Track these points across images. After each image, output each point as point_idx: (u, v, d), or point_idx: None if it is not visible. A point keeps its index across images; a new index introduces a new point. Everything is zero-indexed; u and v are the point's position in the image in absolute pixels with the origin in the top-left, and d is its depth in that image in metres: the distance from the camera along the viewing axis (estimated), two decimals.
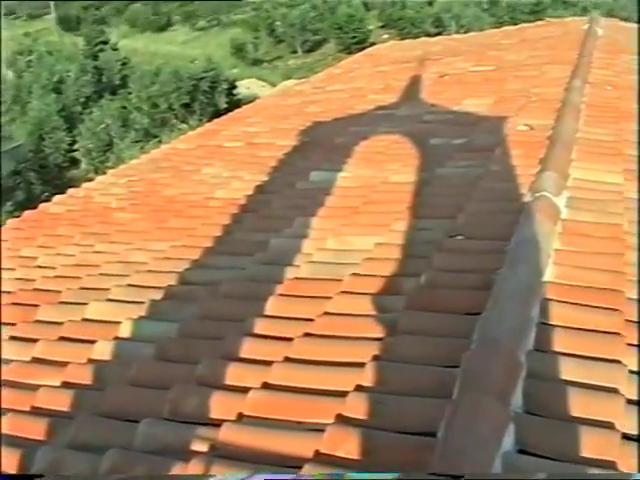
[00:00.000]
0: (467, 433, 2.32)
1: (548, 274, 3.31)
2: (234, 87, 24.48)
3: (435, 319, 3.14)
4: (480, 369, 2.60)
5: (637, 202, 4.14)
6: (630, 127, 5.63)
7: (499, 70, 8.32)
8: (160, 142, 17.44)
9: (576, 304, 3.11)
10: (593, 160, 4.74)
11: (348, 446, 2.46)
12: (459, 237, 3.81)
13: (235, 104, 19.50)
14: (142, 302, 3.89)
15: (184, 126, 21.07)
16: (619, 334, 2.94)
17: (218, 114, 14.80)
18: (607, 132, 5.43)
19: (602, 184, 4.37)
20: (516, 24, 14.25)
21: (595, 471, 2.31)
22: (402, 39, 22.56)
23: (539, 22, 12.89)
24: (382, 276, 3.58)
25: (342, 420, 2.62)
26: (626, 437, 2.47)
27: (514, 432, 2.43)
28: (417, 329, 3.08)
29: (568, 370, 2.73)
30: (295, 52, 34.79)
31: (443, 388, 2.61)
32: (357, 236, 4.14)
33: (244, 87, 26.61)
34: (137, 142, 20.93)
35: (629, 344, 2.90)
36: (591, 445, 2.40)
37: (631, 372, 2.75)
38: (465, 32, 22.23)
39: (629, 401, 2.61)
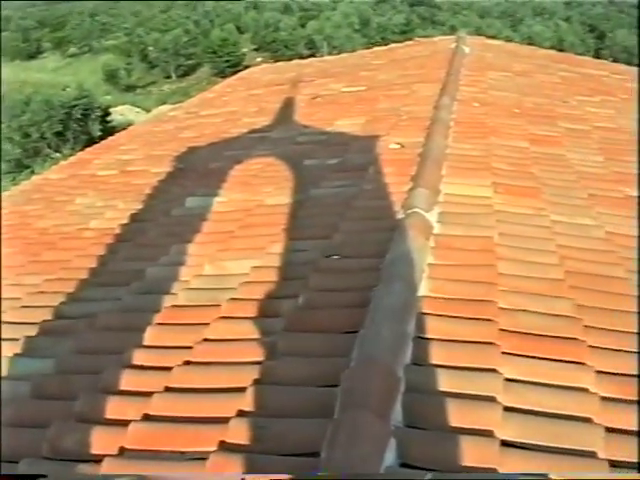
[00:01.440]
0: (349, 451, 2.34)
1: (423, 289, 3.37)
2: (108, 114, 24.06)
3: (314, 339, 3.15)
4: (359, 387, 2.62)
5: None
6: (497, 142, 5.81)
7: (370, 90, 8.46)
8: (33, 172, 16.99)
9: (451, 316, 3.18)
10: (463, 175, 4.87)
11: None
12: (335, 257, 3.84)
13: (109, 131, 19.21)
14: (17, 339, 3.77)
15: (57, 155, 20.60)
16: (494, 343, 3.02)
17: (92, 142, 14.56)
18: (475, 147, 5.59)
19: (472, 198, 4.49)
20: (387, 44, 14.50)
21: None
22: (276, 61, 22.69)
23: (408, 42, 13.15)
24: (260, 299, 3.57)
25: (224, 447, 2.60)
26: (505, 444, 2.54)
27: (396, 446, 2.46)
28: (297, 350, 3.08)
29: (446, 382, 2.79)
30: (169, 77, 34.57)
31: (324, 408, 2.62)
32: (234, 260, 4.12)
33: (118, 114, 26.22)
34: (9, 173, 20.32)
35: (504, 352, 2.98)
36: (471, 454, 2.46)
37: (507, 380, 2.82)
38: (338, 53, 22.59)
39: (506, 408, 2.68)
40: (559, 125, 6.70)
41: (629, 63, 22.00)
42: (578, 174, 5.34)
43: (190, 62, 34.89)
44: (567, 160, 5.67)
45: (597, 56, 25.87)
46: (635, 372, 2.99)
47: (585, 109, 7.62)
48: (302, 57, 21.58)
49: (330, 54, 24.45)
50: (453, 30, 23.87)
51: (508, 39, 24.17)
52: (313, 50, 31.63)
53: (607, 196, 4.94)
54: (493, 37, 19.88)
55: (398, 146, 5.62)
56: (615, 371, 2.99)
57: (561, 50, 20.63)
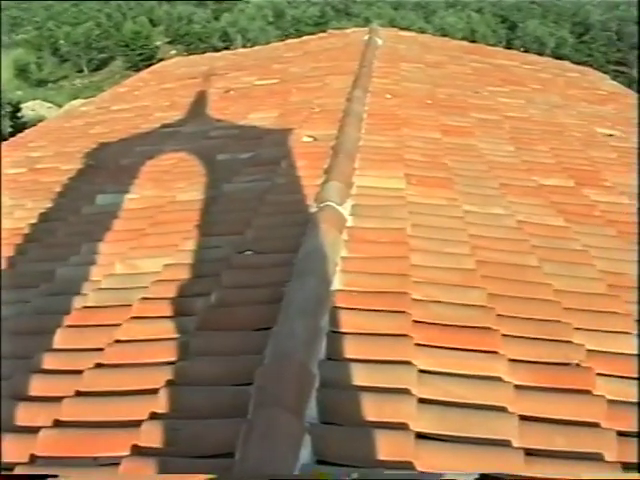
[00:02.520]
0: (264, 450, 2.30)
1: (336, 283, 3.35)
2: (18, 110, 23.47)
3: (227, 337, 3.10)
4: (273, 384, 2.59)
5: None
6: (410, 133, 5.84)
7: (283, 83, 8.41)
8: None
9: (364, 310, 3.17)
10: (375, 167, 4.87)
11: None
12: (248, 253, 3.79)
13: (20, 127, 18.71)
14: None
15: None
16: (407, 335, 3.01)
17: (2, 139, 14.16)
18: (388, 139, 5.60)
19: (385, 190, 4.50)
20: (301, 36, 14.47)
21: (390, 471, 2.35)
22: (190, 54, 22.47)
23: (321, 34, 13.13)
24: (172, 298, 3.50)
25: (137, 451, 2.54)
26: (420, 436, 2.53)
27: (311, 443, 2.43)
28: (210, 349, 3.03)
29: (360, 376, 2.77)
30: (81, 71, 33.89)
31: (239, 407, 2.58)
32: (145, 259, 4.03)
33: (29, 109, 25.58)
34: None
35: (418, 344, 2.98)
36: (387, 448, 2.45)
37: (421, 372, 2.82)
38: (252, 46, 22.47)
39: (421, 400, 2.67)
40: (471, 115, 6.77)
41: (540, 53, 22.48)
42: (490, 164, 5.40)
43: (102, 56, 34.26)
44: (479, 150, 5.73)
45: (509, 46, 26.29)
46: (549, 359, 3.03)
47: (496, 99, 7.72)
48: (216, 50, 21.38)
49: (244, 47, 24.31)
50: (367, 22, 23.96)
51: (421, 30, 24.40)
52: (227, 43, 31.40)
53: (518, 185, 5.00)
54: (406, 29, 20.04)
55: (311, 139, 5.60)
56: (529, 359, 3.02)
57: (473, 41, 20.90)
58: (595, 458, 2.56)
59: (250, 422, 2.43)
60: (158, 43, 35.15)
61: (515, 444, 2.57)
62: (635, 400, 2.87)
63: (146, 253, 4.13)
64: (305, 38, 13.00)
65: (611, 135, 6.97)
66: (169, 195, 4.99)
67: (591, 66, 15.46)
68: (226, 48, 24.79)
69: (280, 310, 3.03)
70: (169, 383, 2.84)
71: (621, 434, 2.66)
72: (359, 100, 6.51)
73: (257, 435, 2.35)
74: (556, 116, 7.45)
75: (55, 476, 2.46)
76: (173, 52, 32.29)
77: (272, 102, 7.44)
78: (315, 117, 6.39)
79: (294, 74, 8.89)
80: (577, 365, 3.03)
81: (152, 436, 2.57)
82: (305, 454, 2.39)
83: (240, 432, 2.39)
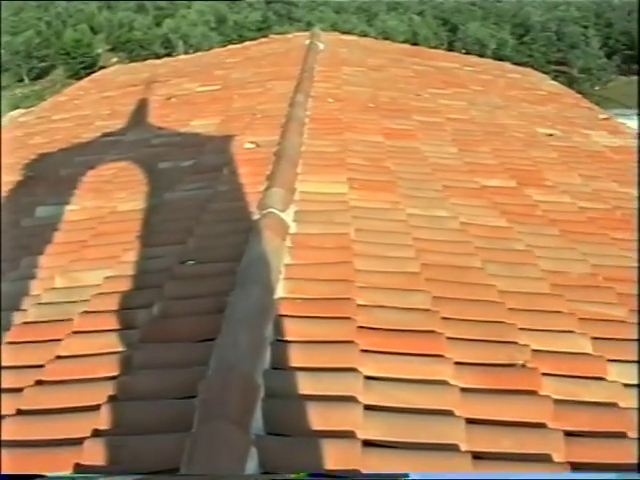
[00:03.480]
0: (209, 464, 2.26)
1: (280, 290, 3.32)
2: None
3: (171, 350, 3.05)
4: (217, 397, 2.55)
5: None
6: (352, 137, 5.83)
7: (225, 89, 8.35)
8: None
9: (309, 317, 3.15)
10: (318, 172, 4.85)
11: None
12: (190, 262, 3.74)
13: None
14: None
15: None
16: (352, 342, 3.00)
17: None
18: (331, 144, 5.58)
19: (328, 195, 4.48)
20: (244, 41, 14.41)
21: None
22: (132, 61, 22.26)
23: (263, 39, 13.09)
24: (114, 311, 3.43)
25: (80, 470, 2.48)
26: (367, 444, 2.51)
27: (257, 456, 2.40)
28: (153, 362, 2.98)
29: (306, 384, 2.75)
30: (22, 80, 33.45)
31: (183, 421, 2.54)
32: (86, 271, 3.95)
33: None
34: None
35: (363, 350, 2.96)
36: (333, 457, 2.43)
37: (367, 378, 2.80)
38: (194, 52, 22.34)
39: (367, 407, 2.66)
40: (413, 118, 6.79)
41: (481, 55, 22.71)
42: (432, 166, 5.41)
43: (43, 64, 33.88)
44: (421, 153, 5.74)
45: (450, 49, 26.56)
46: (495, 361, 3.03)
47: (438, 102, 7.75)
48: (158, 56, 21.24)
49: (187, 53, 24.19)
50: (309, 26, 24.00)
51: (364, 34, 24.51)
52: (169, 49, 31.25)
53: (461, 187, 5.02)
54: (349, 32, 20.10)
55: (253, 145, 5.56)
56: (474, 361, 3.02)
57: (415, 44, 21.09)
58: (543, 459, 2.57)
59: (194, 436, 2.39)
60: (99, 51, 34.85)
61: (462, 448, 2.56)
62: (580, 399, 2.90)
63: (87, 265, 4.05)
64: (247, 44, 12.93)
65: (551, 135, 7.05)
66: (110, 205, 4.91)
67: (532, 66, 15.66)
68: (168, 55, 24.67)
69: (223, 320, 2.99)
70: (111, 398, 2.78)
71: (568, 434, 2.67)
72: (301, 105, 6.49)
73: (202, 449, 2.32)
74: (497, 117, 7.51)
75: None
76: (115, 59, 32.02)
77: (214, 108, 7.38)
78: (257, 123, 6.35)
79: (236, 80, 8.83)
80: (523, 366, 3.04)
81: (95, 454, 2.52)
82: (251, 466, 2.35)
83: (185, 446, 2.35)
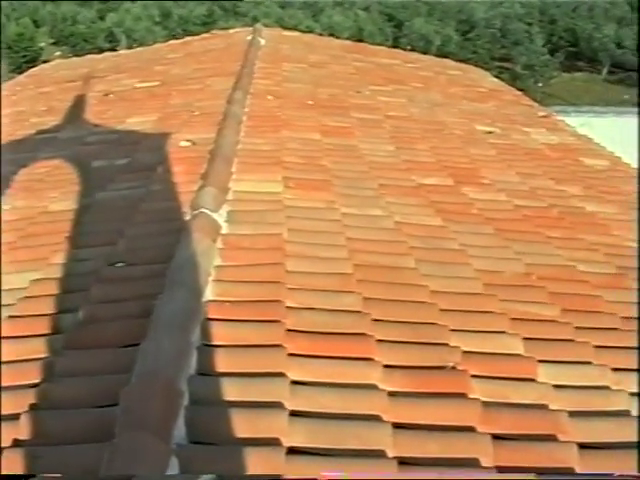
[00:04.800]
0: (127, 476, 2.20)
1: (208, 293, 3.26)
2: None
3: (95, 356, 2.98)
4: (139, 404, 2.48)
5: None
6: (289, 135, 5.78)
7: (164, 85, 8.24)
8: None
9: (237, 320, 3.10)
10: (253, 171, 4.79)
11: None
12: (119, 264, 3.66)
13: None
14: None
15: None
16: (280, 346, 2.95)
17: None
18: (267, 142, 5.53)
19: (262, 194, 4.43)
20: (189, 36, 14.24)
21: None
22: (76, 55, 21.91)
23: (205, 35, 12.96)
24: (39, 315, 3.34)
25: None
26: (293, 451, 2.47)
27: (178, 465, 2.34)
28: (76, 369, 2.90)
29: (231, 390, 2.70)
30: None
31: (105, 430, 2.46)
32: (14, 274, 3.84)
33: None
34: None
35: (291, 354, 2.92)
36: (257, 465, 2.38)
37: (294, 383, 2.76)
38: (138, 46, 22.07)
39: (293, 413, 2.61)
40: (352, 115, 6.77)
41: (426, 51, 22.83)
42: (369, 164, 5.39)
43: None
44: (359, 150, 5.72)
45: (395, 45, 26.59)
46: (425, 363, 3.02)
47: (377, 98, 7.74)
48: (102, 51, 20.88)
49: (130, 47, 23.82)
50: (255, 21, 23.84)
51: (309, 29, 24.47)
52: (114, 43, 30.80)
53: (397, 185, 5.01)
54: (294, 28, 20.04)
55: (189, 143, 5.48)
56: (404, 364, 3.00)
57: (360, 40, 21.06)
58: (470, 464, 2.55)
59: (114, 446, 2.32)
60: (42, 44, 34.22)
61: (389, 454, 2.53)
62: (510, 401, 2.89)
63: (15, 268, 3.94)
64: (188, 39, 12.81)
65: (490, 132, 7.07)
66: (41, 205, 4.80)
67: (476, 63, 15.78)
68: (112, 49, 24.30)
69: (149, 325, 2.92)
70: (32, 407, 2.70)
71: (496, 437, 2.66)
72: (239, 102, 6.41)
73: (121, 460, 2.25)
74: (437, 114, 7.52)
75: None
76: (58, 53, 31.47)
77: (152, 105, 7.28)
78: (195, 120, 6.27)
79: (175, 76, 8.73)
80: (453, 368, 3.03)
81: (14, 464, 2.44)
82: None
83: (104, 457, 2.28)
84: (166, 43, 13.33)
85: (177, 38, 16.91)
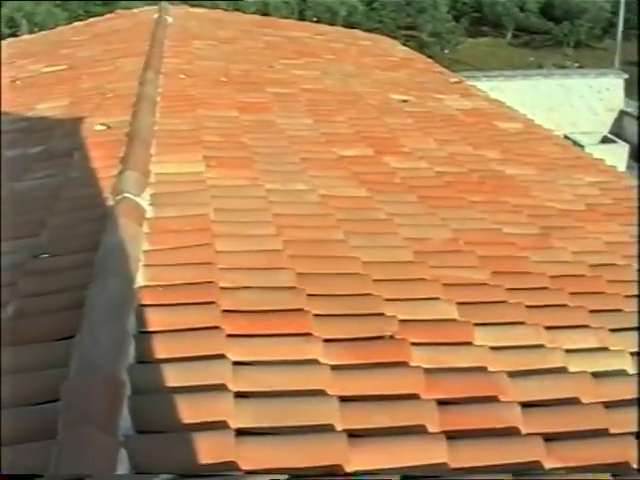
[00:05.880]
0: (76, 473, 2.14)
1: (140, 279, 3.19)
2: None
3: (30, 351, 2.88)
4: (80, 399, 2.41)
5: None
6: (206, 113, 5.71)
7: (73, 69, 8.03)
8: None
9: (172, 305, 3.04)
10: (173, 152, 4.72)
11: None
12: (44, 256, 3.56)
13: None
14: None
15: None
16: (218, 327, 2.92)
17: None
18: (184, 121, 5.46)
19: (184, 175, 4.36)
20: (91, 17, 13.89)
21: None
22: None
23: (110, 15, 12.67)
24: None
25: None
26: (241, 433, 2.44)
27: (127, 458, 2.29)
28: (10, 367, 2.80)
29: (173, 376, 2.65)
30: None
31: (48, 428, 2.38)
32: None
33: None
34: None
35: (230, 335, 2.88)
36: (207, 450, 2.34)
37: (235, 364, 2.73)
38: (39, 30, 21.48)
39: (238, 395, 2.58)
40: (267, 91, 6.72)
41: (332, 23, 22.73)
42: (289, 139, 5.37)
43: None
44: (277, 126, 5.69)
45: (301, 18, 26.42)
46: (363, 334, 3.02)
47: (291, 72, 7.71)
48: (3, 37, 20.31)
49: (32, 32, 23.19)
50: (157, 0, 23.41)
51: (215, 6, 24.13)
52: (14, 29, 29.93)
53: (319, 158, 5.01)
54: (199, 5, 19.74)
55: (104, 127, 5.36)
56: (343, 337, 3.00)
57: (266, 14, 20.90)
58: (417, 431, 2.57)
59: (60, 444, 2.25)
60: None
61: (337, 427, 2.53)
62: (450, 366, 2.92)
63: None
64: (93, 20, 12.51)
65: (405, 101, 7.11)
66: None
67: (382, 32, 15.82)
68: (13, 35, 23.62)
69: (83, 316, 2.85)
70: None
71: (441, 403, 2.68)
72: (151, 82, 6.30)
73: (69, 457, 2.19)
74: (351, 85, 7.53)
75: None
76: None
77: (62, 90, 7.09)
78: (107, 103, 6.13)
79: (83, 59, 8.52)
80: (391, 337, 3.04)
81: None
82: (122, 470, 2.24)
83: (51, 456, 2.22)
84: (70, 25, 13.01)
85: (79, 20, 16.51)
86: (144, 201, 3.91)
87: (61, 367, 2.64)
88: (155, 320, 2.94)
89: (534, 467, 2.50)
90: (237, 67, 7.60)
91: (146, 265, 3.32)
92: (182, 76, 6.90)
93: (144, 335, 2.85)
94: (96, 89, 6.75)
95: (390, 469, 2.40)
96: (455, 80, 8.86)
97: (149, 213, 3.82)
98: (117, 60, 7.86)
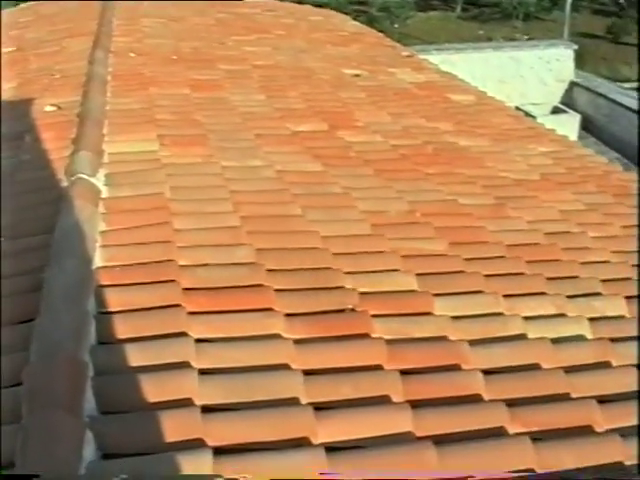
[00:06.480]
0: (43, 456, 2.12)
1: (98, 260, 3.16)
2: None
3: None
4: (44, 382, 2.39)
5: None
6: (158, 92, 5.65)
7: (20, 51, 7.89)
8: None
9: (131, 284, 3.02)
10: (126, 131, 4.67)
11: None
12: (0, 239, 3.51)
13: None
14: None
15: None
16: (179, 305, 2.91)
17: None
18: (136, 100, 5.40)
19: (138, 154, 4.33)
20: None
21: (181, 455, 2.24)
22: None
23: None
24: None
25: None
26: (207, 410, 2.44)
27: (93, 439, 2.27)
28: None
29: (136, 356, 2.63)
30: None
31: (12, 413, 2.35)
32: None
33: None
34: None
35: (191, 313, 2.88)
36: (173, 428, 2.34)
37: (198, 341, 2.72)
38: None
39: (202, 372, 2.58)
40: (219, 68, 6.68)
41: None
42: (243, 116, 5.34)
43: None
44: (230, 103, 5.66)
45: None
46: (324, 308, 3.03)
47: (242, 49, 7.66)
48: None
49: None
50: None
51: None
52: None
53: (273, 134, 4.99)
54: None
55: (54, 108, 5.28)
56: (304, 311, 3.00)
57: None
58: (382, 402, 2.58)
59: (25, 428, 2.23)
60: None
61: (303, 401, 2.54)
62: (412, 336, 2.95)
63: None
64: (38, 1, 12.29)
65: (358, 75, 7.11)
66: None
67: (332, 7, 15.76)
68: None
69: (41, 299, 2.82)
70: None
71: (404, 373, 2.70)
72: (101, 62, 6.22)
73: (34, 442, 2.17)
74: (303, 61, 7.50)
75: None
76: None
77: (9, 72, 6.96)
78: (57, 84, 6.03)
79: (31, 40, 8.37)
80: (352, 310, 3.06)
81: None
82: (89, 451, 2.23)
83: (16, 441, 2.19)
84: (16, 7, 12.76)
85: (24, 1, 16.20)
86: (99, 181, 3.87)
87: (22, 351, 2.61)
88: (115, 300, 2.91)
89: (499, 433, 2.54)
90: (187, 45, 7.53)
91: (103, 246, 3.29)
92: (132, 55, 6.82)
93: (104, 316, 2.83)
94: (44, 70, 6.64)
95: (356, 439, 2.42)
96: (406, 54, 8.86)
97: (104, 193, 3.78)
98: (64, 40, 7.73)
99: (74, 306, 2.75)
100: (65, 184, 3.81)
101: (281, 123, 5.27)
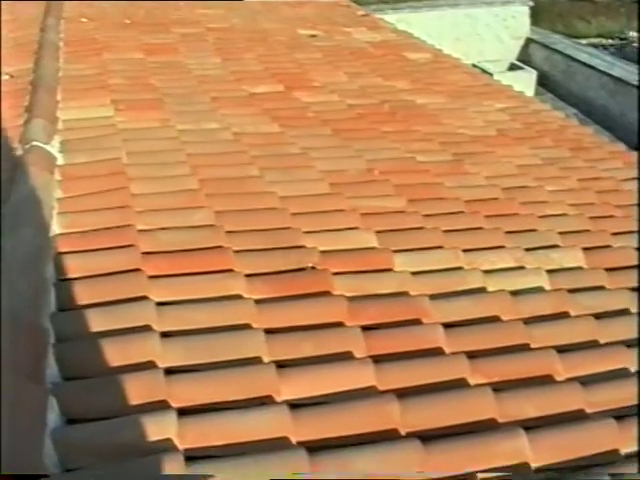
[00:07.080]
0: (7, 425, 2.11)
1: (56, 227, 3.14)
2: None
3: None
4: (5, 351, 2.38)
5: None
6: (111, 57, 5.59)
7: None
8: None
9: (90, 251, 3.00)
10: (80, 97, 4.61)
11: None
12: None
13: None
14: None
15: None
16: (139, 269, 2.90)
17: None
18: (89, 66, 5.34)
19: (93, 120, 4.28)
20: None
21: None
22: None
23: None
24: None
25: None
26: (171, 372, 2.44)
27: (57, 405, 2.27)
28: None
29: (97, 321, 2.62)
30: None
31: None
32: None
33: None
34: None
35: (151, 276, 2.87)
36: (137, 391, 2.34)
37: (159, 304, 2.72)
38: None
39: (164, 334, 2.58)
40: (173, 31, 6.62)
41: None
42: (198, 79, 5.31)
43: None
44: (185, 66, 5.61)
45: None
46: (284, 267, 3.04)
47: (196, 12, 7.58)
48: None
49: None
50: None
51: None
52: None
53: (229, 97, 4.96)
54: None
55: (6, 76, 5.19)
56: (264, 271, 3.01)
57: None
58: (344, 358, 2.60)
59: None
60: None
61: (265, 359, 2.55)
62: (372, 293, 2.97)
63: None
64: None
65: (314, 36, 7.07)
66: None
67: None
68: None
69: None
70: None
71: (365, 328, 2.72)
72: (53, 28, 6.13)
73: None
74: (258, 22, 7.45)
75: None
76: None
77: None
78: (8, 52, 5.93)
79: None
80: (312, 268, 3.07)
81: None
82: (53, 418, 2.22)
83: None
84: None
85: None
86: (54, 148, 3.82)
87: None
88: (74, 267, 2.90)
89: (460, 384, 2.57)
90: (140, 9, 7.43)
91: (61, 213, 3.26)
92: (84, 20, 6.72)
93: (64, 282, 2.82)
94: None
95: (320, 396, 2.44)
96: (362, 13, 8.82)
97: (60, 160, 3.75)
98: (14, 6, 7.59)
99: (33, 274, 2.73)
100: (20, 152, 3.76)
101: (237, 85, 5.24)
